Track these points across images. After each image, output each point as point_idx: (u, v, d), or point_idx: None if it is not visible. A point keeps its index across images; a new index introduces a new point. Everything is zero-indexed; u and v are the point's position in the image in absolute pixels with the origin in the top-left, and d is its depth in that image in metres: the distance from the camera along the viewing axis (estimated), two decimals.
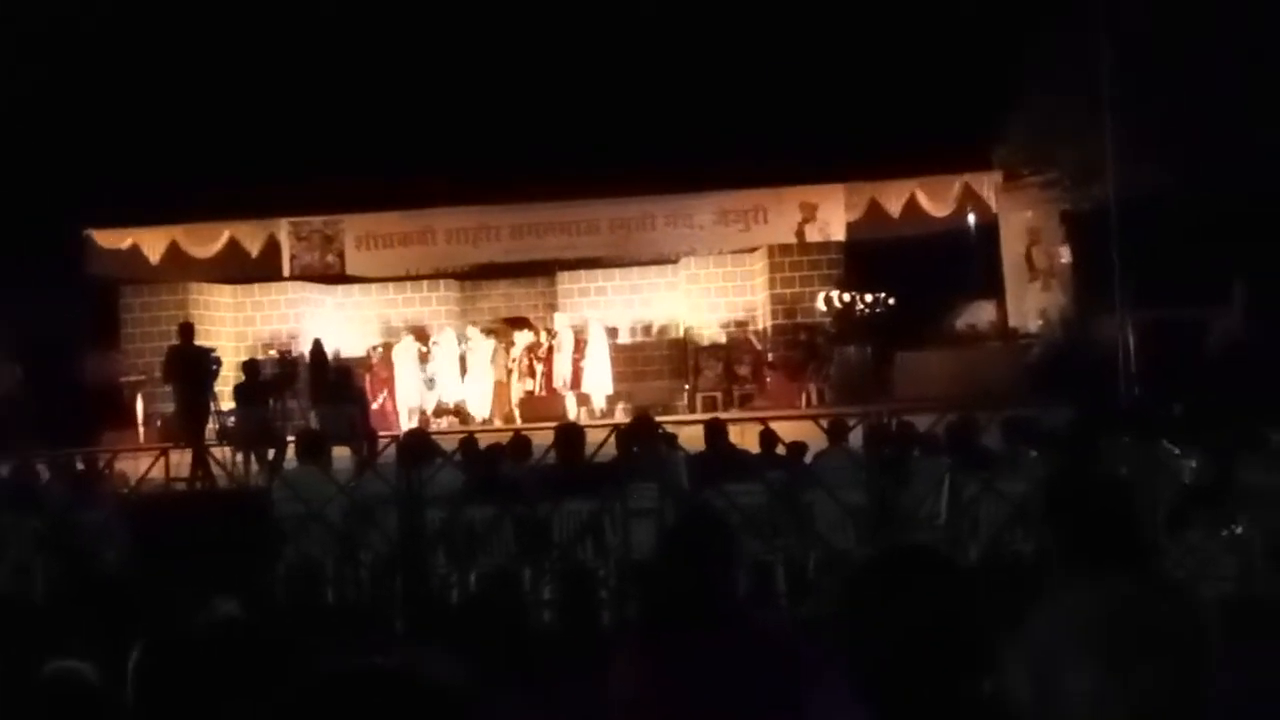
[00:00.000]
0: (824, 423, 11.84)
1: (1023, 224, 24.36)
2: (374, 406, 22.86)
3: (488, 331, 24.40)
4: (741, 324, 25.27)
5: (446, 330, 24.68)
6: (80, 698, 3.08)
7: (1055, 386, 18.79)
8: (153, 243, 24.65)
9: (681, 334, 25.43)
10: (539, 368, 23.85)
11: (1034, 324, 23.94)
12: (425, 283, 26.42)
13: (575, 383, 23.62)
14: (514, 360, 23.77)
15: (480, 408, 23.38)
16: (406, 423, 22.13)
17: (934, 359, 22.55)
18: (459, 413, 23.51)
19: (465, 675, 1.32)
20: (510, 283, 26.53)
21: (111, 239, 24.55)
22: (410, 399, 23.41)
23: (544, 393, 23.61)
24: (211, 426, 17.76)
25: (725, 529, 4.42)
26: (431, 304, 26.33)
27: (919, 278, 22.81)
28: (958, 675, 2.27)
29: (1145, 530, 4.00)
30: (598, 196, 24.33)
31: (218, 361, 17.93)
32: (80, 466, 13.85)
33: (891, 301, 23.53)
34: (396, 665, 1.29)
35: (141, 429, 22.54)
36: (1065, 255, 23.56)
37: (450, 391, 23.71)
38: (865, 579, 2.46)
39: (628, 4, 24.55)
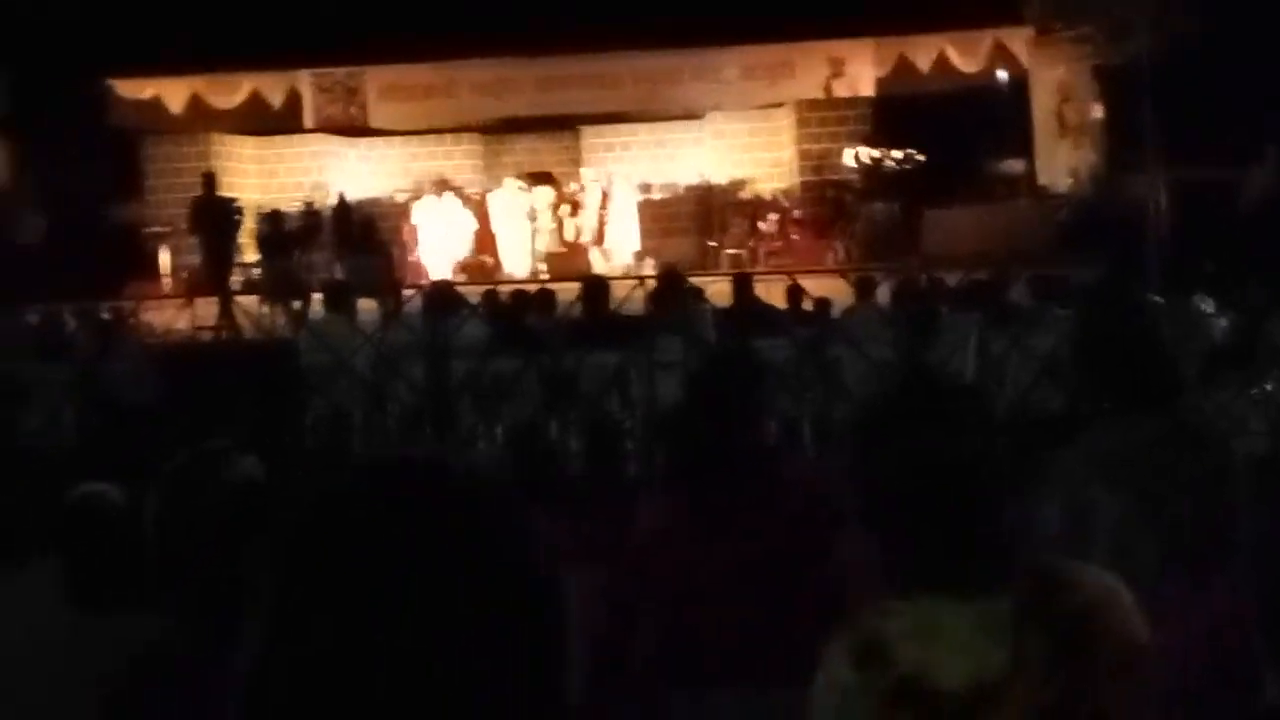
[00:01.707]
0: (852, 279, 11.76)
1: (1054, 80, 23.99)
2: (411, 258, 22.89)
3: (524, 186, 24.10)
4: (768, 180, 25.02)
5: (475, 185, 24.47)
6: (105, 516, 3.15)
7: (1085, 244, 18.65)
8: (173, 93, 24.51)
9: (708, 190, 25.18)
10: (567, 222, 23.72)
11: (1064, 182, 23.67)
12: (449, 136, 26.11)
13: (600, 239, 23.50)
14: (539, 215, 23.62)
15: (517, 263, 23.24)
16: (438, 275, 22.04)
17: (963, 216, 22.36)
18: (484, 268, 23.40)
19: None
20: (535, 137, 26.23)
21: (132, 89, 24.41)
22: (441, 252, 23.25)
23: (569, 248, 23.52)
24: (236, 278, 17.80)
25: (756, 373, 4.39)
26: (455, 158, 26.06)
27: (948, 134, 22.51)
28: (975, 507, 2.24)
29: (1175, 375, 3.98)
30: (622, 49, 24.01)
31: (240, 212, 17.91)
32: (107, 316, 13.90)
33: (920, 158, 23.25)
34: (431, 454, 1.28)
35: (168, 280, 22.56)
36: (1097, 112, 23.22)
37: (479, 246, 23.55)
38: (881, 408, 2.43)
39: None
